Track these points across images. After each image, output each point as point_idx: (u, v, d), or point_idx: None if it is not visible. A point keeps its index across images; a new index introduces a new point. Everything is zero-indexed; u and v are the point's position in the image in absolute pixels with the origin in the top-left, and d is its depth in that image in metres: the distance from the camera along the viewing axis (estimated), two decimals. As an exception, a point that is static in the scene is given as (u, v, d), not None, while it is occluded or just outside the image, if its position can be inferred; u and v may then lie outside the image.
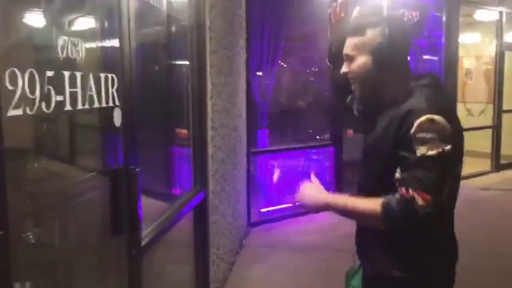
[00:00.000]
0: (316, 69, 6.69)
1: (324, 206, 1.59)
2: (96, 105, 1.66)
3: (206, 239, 3.28)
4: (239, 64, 4.54)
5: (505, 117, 8.20)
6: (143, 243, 2.05)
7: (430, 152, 1.35)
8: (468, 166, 7.39)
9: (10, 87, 1.20)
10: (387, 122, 1.51)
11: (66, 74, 1.47)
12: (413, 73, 1.61)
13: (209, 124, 3.30)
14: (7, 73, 1.19)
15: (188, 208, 2.92)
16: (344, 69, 1.63)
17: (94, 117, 1.81)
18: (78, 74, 1.53)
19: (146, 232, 2.16)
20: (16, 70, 1.22)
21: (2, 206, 1.15)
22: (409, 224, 1.37)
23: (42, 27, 1.51)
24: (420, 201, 1.33)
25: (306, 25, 6.24)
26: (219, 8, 3.61)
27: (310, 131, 6.44)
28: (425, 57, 7.59)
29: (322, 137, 6.29)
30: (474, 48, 8.82)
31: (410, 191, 1.35)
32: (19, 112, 1.24)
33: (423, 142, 1.36)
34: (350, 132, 6.24)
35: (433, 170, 1.35)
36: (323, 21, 5.96)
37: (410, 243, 1.52)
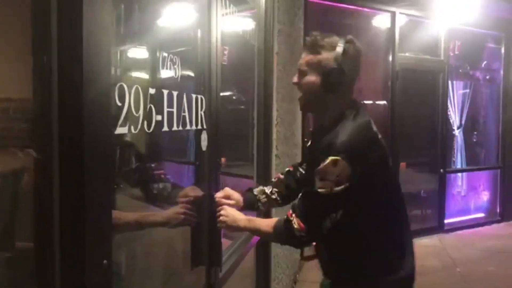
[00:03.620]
0: (373, 99, 6.53)
1: (240, 228, 1.80)
2: (188, 127, 1.57)
3: (268, 273, 3.13)
4: (297, 92, 4.44)
5: None
6: (221, 275, 1.93)
7: (321, 190, 1.53)
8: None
9: (118, 103, 1.12)
10: (319, 151, 1.61)
11: (165, 92, 1.38)
12: (350, 101, 1.69)
13: (274, 151, 3.19)
14: (116, 88, 1.11)
15: (255, 239, 2.78)
16: (294, 79, 1.71)
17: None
18: (175, 93, 1.45)
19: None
20: (124, 86, 1.14)
21: (107, 231, 1.04)
22: (288, 240, 1.69)
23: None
24: (295, 225, 1.59)
25: (363, 55, 6.14)
26: (284, 34, 3.55)
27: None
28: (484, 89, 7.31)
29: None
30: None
31: (293, 215, 1.61)
32: (125, 130, 1.15)
33: (321, 179, 1.53)
34: (403, 164, 6.03)
35: (316, 205, 1.58)
36: (380, 51, 5.87)
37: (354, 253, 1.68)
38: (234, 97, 5.10)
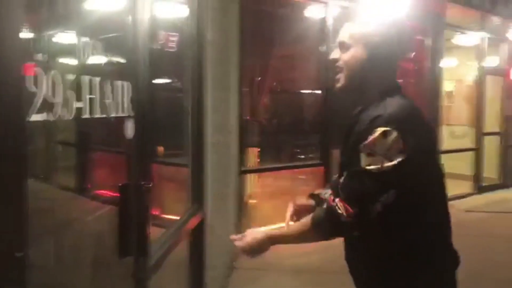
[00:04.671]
0: (307, 88, 6.67)
1: (267, 242, 1.63)
2: (113, 114, 1.53)
3: (202, 261, 3.13)
4: (232, 81, 4.45)
5: (486, 140, 8.33)
6: (150, 265, 1.90)
7: (369, 167, 1.38)
8: (451, 187, 7.48)
9: (33, 89, 1.07)
10: (360, 129, 1.47)
11: (86, 78, 1.34)
12: (394, 82, 1.58)
13: (209, 140, 3.18)
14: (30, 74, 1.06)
15: (188, 228, 2.77)
16: (334, 55, 1.58)
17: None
18: (97, 80, 1.40)
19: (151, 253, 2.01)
20: (42, 71, 1.09)
21: (22, 223, 1.00)
22: (334, 229, 1.48)
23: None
24: (341, 210, 1.41)
25: (297, 45, 6.24)
26: (217, 23, 3.53)
27: (298, 150, 6.37)
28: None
29: (311, 156, 6.23)
30: (456, 72, 8.98)
31: (336, 200, 1.44)
32: (41, 117, 1.10)
33: (369, 154, 1.38)
34: (337, 152, 6.19)
35: (364, 185, 1.39)
36: (313, 41, 5.98)
37: (395, 263, 1.51)
38: (172, 85, 5.04)
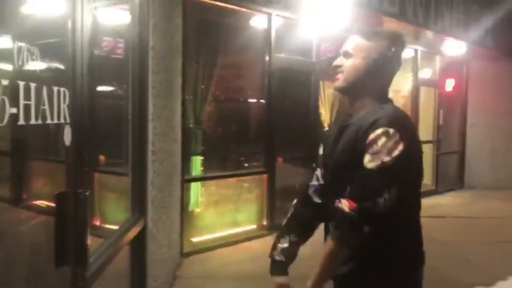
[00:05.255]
0: (250, 97, 6.74)
1: (317, 276, 1.60)
2: (49, 121, 1.50)
3: (144, 270, 3.09)
4: (175, 88, 4.43)
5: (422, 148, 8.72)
6: (88, 274, 1.87)
7: (370, 164, 1.47)
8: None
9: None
10: (353, 134, 1.58)
11: (21, 84, 1.31)
12: (385, 95, 1.72)
13: (150, 147, 3.16)
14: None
15: (129, 237, 2.73)
16: (337, 62, 1.69)
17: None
18: (33, 85, 1.38)
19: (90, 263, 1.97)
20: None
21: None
22: (347, 227, 1.48)
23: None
24: (345, 207, 1.47)
25: (240, 54, 6.29)
26: (160, 30, 3.52)
27: (243, 158, 6.42)
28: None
29: (255, 164, 6.28)
30: (393, 83, 9.35)
31: (340, 200, 1.50)
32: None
33: (371, 153, 1.48)
34: (280, 160, 6.29)
35: (367, 182, 1.47)
36: (258, 50, 6.06)
37: (375, 255, 1.57)
38: (116, 92, 4.94)
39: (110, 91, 5.01)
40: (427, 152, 8.98)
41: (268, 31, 5.88)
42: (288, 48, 6.23)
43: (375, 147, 1.47)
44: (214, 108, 6.00)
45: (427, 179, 8.98)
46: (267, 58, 5.88)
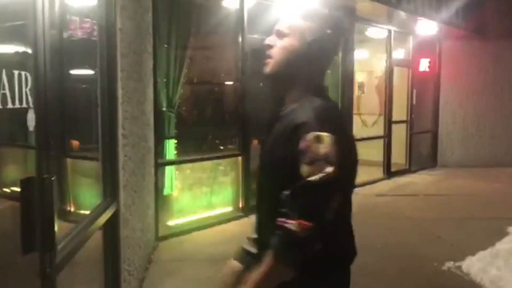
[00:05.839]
0: (224, 79, 6.69)
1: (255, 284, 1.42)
2: (10, 105, 1.46)
3: (117, 255, 3.07)
4: (146, 71, 4.37)
5: (395, 128, 8.86)
6: (57, 260, 1.84)
7: (312, 178, 1.32)
8: (363, 174, 7.90)
9: None
10: (281, 131, 1.46)
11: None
12: (319, 84, 1.56)
13: (120, 131, 3.11)
14: None
15: (100, 222, 2.70)
16: (269, 41, 1.55)
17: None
18: (-10, 69, 1.34)
19: (59, 248, 1.95)
20: None
21: None
22: (296, 249, 1.33)
23: None
24: (295, 227, 1.31)
25: (213, 36, 6.23)
26: (128, 11, 3.44)
27: (217, 141, 6.40)
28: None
29: (229, 147, 6.28)
30: (366, 64, 9.43)
31: (289, 221, 1.32)
32: None
33: (308, 162, 1.33)
34: (255, 142, 6.30)
35: (313, 196, 1.33)
36: (230, 32, 6.00)
37: None
38: (86, 75, 4.84)
39: (82, 75, 4.91)
40: (401, 132, 9.12)
41: (240, 11, 5.82)
42: (261, 29, 6.18)
43: (311, 156, 1.33)
44: (188, 90, 5.95)
45: (400, 159, 9.14)
46: (240, 39, 5.84)
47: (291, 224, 1.31)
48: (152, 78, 4.65)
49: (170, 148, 5.48)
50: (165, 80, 5.39)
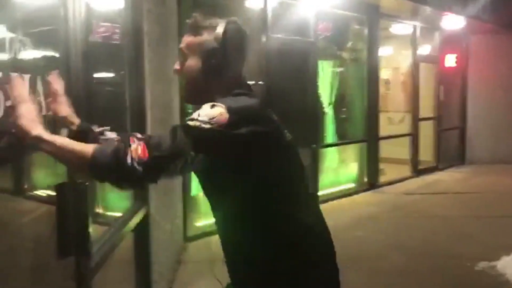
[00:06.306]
0: (248, 79, 6.67)
1: (33, 137, 1.28)
2: (43, 113, 1.48)
3: (148, 257, 3.09)
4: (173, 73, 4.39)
5: (422, 125, 8.71)
6: (92, 264, 1.86)
7: (190, 122, 1.30)
8: (391, 172, 7.81)
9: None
10: None
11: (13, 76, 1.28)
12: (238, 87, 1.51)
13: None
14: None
15: (132, 225, 2.72)
16: (175, 65, 1.53)
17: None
18: (26, 77, 1.35)
19: (93, 252, 1.97)
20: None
21: None
22: (113, 171, 1.27)
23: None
24: (134, 152, 1.25)
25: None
26: (154, 14, 3.46)
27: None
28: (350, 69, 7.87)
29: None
30: (392, 60, 9.30)
31: (138, 141, 1.27)
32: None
33: (197, 114, 1.31)
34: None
35: (176, 136, 1.29)
36: (254, 31, 5.99)
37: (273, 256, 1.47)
38: (114, 79, 4.87)
39: (105, 77, 4.95)
40: (428, 129, 8.96)
41: (264, 11, 5.81)
42: (285, 28, 6.16)
43: (199, 112, 1.32)
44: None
45: (428, 156, 8.98)
46: (263, 38, 5.82)
47: (135, 147, 1.25)
48: (178, 81, 4.66)
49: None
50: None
